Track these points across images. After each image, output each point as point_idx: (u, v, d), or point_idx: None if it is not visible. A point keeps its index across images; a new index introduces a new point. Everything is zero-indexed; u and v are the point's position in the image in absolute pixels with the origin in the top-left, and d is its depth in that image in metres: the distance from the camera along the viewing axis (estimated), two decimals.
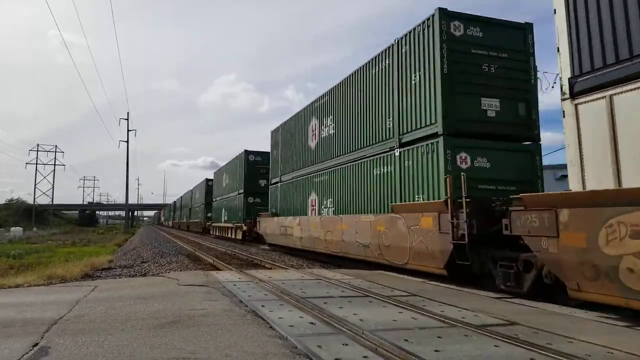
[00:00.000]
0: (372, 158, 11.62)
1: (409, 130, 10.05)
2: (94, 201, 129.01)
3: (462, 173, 8.11)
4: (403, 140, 10.23)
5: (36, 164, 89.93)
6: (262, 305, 5.92)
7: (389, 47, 11.10)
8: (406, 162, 10.03)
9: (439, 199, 8.73)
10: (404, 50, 10.45)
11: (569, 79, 6.59)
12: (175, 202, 76.96)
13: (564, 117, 6.60)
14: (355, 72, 12.95)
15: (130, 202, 65.21)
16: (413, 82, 9.99)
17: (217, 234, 34.87)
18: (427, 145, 9.29)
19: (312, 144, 15.90)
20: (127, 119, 49.60)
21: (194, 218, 49.54)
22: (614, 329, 4.86)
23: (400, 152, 10.26)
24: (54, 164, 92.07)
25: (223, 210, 32.36)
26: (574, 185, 6.38)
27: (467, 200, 7.81)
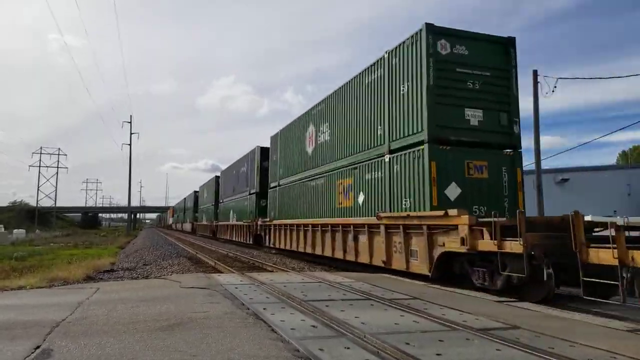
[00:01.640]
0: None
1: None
2: (97, 204, 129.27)
3: None
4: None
5: (39, 166, 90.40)
6: (264, 308, 5.92)
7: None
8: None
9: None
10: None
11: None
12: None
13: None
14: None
15: (132, 204, 65.29)
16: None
17: None
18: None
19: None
20: (130, 122, 49.84)
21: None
22: (616, 333, 4.85)
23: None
24: (57, 167, 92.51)
25: None
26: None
27: None
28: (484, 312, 5.81)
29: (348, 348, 4.08)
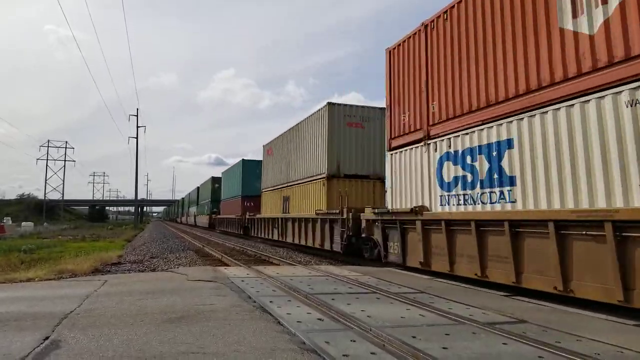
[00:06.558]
0: None
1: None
2: (104, 197, 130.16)
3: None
4: None
5: (47, 159, 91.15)
6: (270, 301, 5.94)
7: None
8: None
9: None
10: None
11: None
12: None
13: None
14: None
15: (139, 197, 65.52)
16: None
17: None
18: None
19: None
20: (137, 115, 49.99)
21: None
22: (623, 327, 4.82)
23: None
24: (64, 160, 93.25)
25: None
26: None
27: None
28: (491, 306, 5.79)
29: (354, 341, 4.08)
